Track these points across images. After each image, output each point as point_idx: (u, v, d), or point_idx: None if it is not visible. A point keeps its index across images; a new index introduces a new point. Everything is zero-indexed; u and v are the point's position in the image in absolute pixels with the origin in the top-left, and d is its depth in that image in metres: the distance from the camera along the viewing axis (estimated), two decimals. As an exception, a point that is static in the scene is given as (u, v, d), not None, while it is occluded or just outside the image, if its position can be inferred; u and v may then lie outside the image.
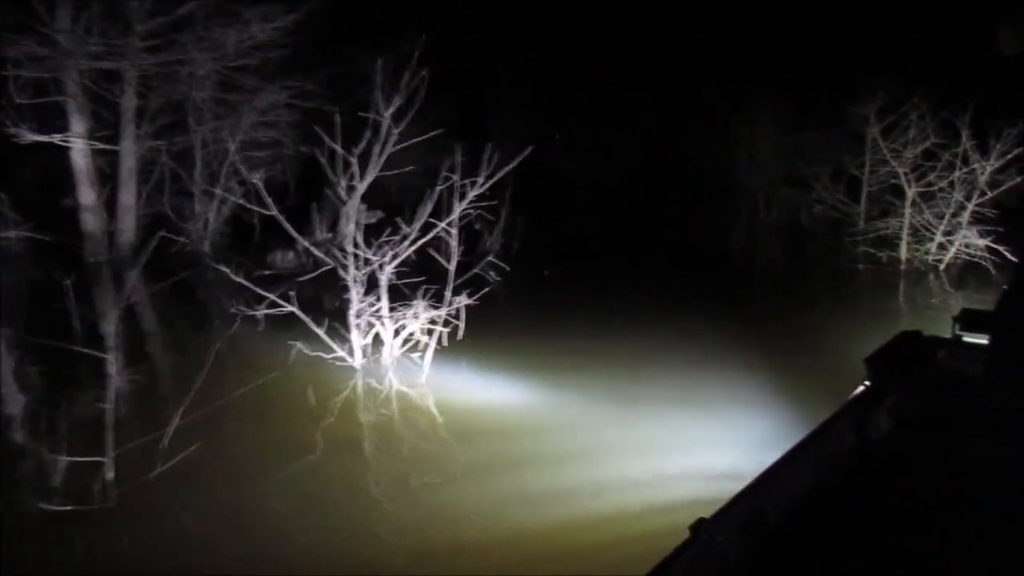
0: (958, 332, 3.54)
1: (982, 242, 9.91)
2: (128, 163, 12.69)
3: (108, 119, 12.42)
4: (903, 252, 10.60)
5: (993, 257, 9.74)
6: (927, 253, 10.50)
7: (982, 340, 3.45)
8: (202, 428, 4.90)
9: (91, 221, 12.56)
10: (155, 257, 12.05)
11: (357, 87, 17.85)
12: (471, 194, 7.88)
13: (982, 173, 10.29)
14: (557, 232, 15.49)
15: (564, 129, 21.32)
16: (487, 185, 7.76)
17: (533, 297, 10.08)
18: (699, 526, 2.14)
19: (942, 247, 10.45)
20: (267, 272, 10.69)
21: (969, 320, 3.68)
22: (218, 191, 12.93)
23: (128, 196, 12.83)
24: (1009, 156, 10.11)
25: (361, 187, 7.23)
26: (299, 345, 6.45)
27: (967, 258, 9.99)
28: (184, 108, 12.70)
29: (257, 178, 7.64)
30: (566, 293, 9.86)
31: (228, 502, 4.30)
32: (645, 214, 14.88)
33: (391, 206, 11.82)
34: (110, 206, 12.77)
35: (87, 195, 12.49)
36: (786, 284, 10.02)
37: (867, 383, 3.22)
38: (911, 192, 10.66)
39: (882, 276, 10.17)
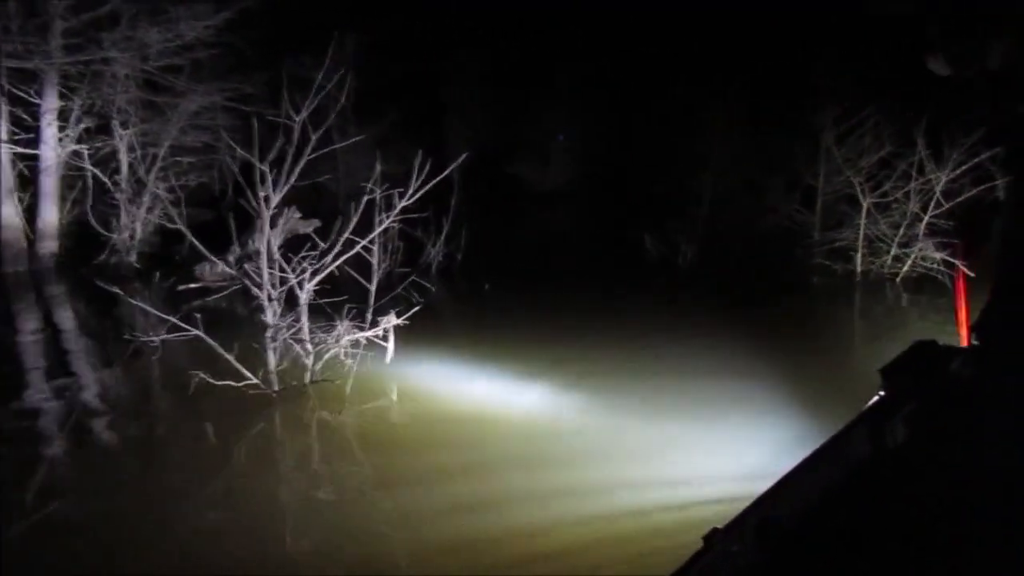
0: (975, 341, 3.34)
1: (938, 255, 9.61)
2: (49, 168, 11.94)
3: (27, 122, 11.70)
4: (858, 264, 10.27)
5: (949, 271, 9.44)
6: (883, 265, 10.19)
7: None
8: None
9: (10, 230, 11.81)
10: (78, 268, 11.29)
11: (302, 90, 17.30)
12: (399, 205, 7.38)
13: (937, 183, 9.99)
14: (509, 240, 15.01)
15: (520, 134, 20.85)
16: (415, 196, 7.25)
17: (470, 313, 9.55)
18: (713, 536, 2.11)
19: (898, 259, 10.15)
20: (193, 286, 10.03)
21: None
22: (145, 199, 12.24)
23: (49, 204, 12.08)
24: (965, 167, 9.82)
25: (275, 197, 6.62)
26: (200, 374, 5.83)
27: (924, 270, 9.69)
28: (109, 110, 12.00)
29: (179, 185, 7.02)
30: (505, 309, 9.35)
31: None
32: (598, 221, 14.46)
33: (338, 214, 11.26)
34: (30, 214, 12.03)
35: (5, 202, 11.72)
36: (736, 296, 9.62)
37: (882, 392, 3.19)
38: (866, 202, 10.34)
39: (835, 289, 9.82)
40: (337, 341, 6.49)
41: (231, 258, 10.54)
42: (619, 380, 6.40)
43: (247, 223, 11.89)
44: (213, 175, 14.01)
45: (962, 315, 3.62)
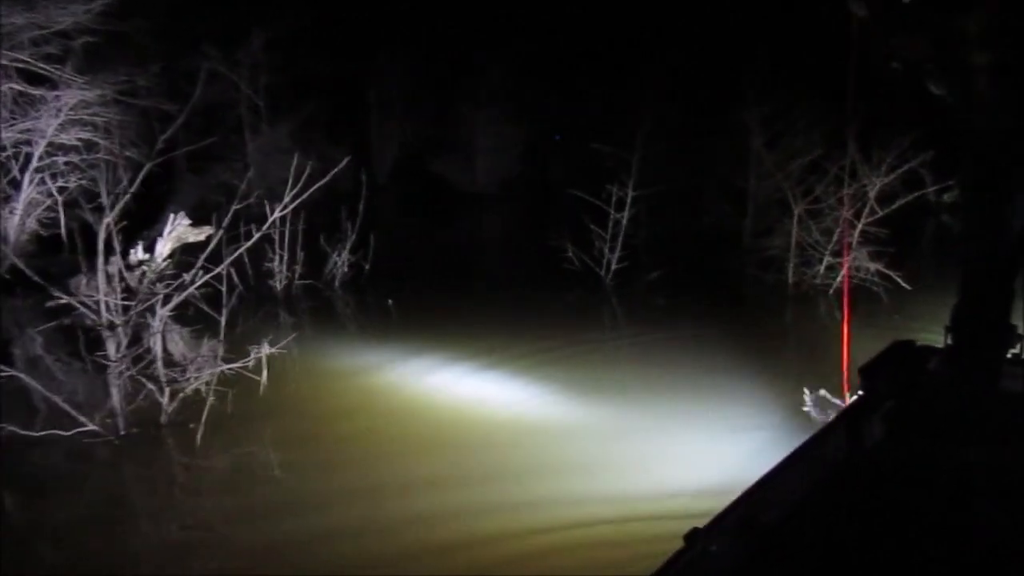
0: (950, 341, 3.41)
1: (873, 265, 9.08)
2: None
3: None
4: (790, 274, 9.71)
5: (885, 283, 8.92)
6: (815, 276, 9.64)
7: None
8: None
9: None
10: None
11: (209, 84, 16.13)
12: (275, 215, 6.53)
13: (871, 189, 9.48)
14: (430, 246, 14.16)
15: (447, 133, 19.96)
16: (290, 207, 6.41)
17: (364, 336, 8.63)
18: (693, 535, 2.10)
19: (831, 268, 9.61)
20: (63, 301, 8.91)
21: None
22: (19, 202, 11.04)
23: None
24: (900, 171, 9.33)
25: (111, 213, 5.68)
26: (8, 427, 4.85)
27: (859, 282, 9.17)
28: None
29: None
30: (403, 328, 8.52)
31: None
32: (525, 225, 13.72)
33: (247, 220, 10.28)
34: None
35: None
36: (655, 313, 8.98)
37: (861, 392, 3.29)
38: (797, 209, 9.78)
39: (765, 302, 9.19)
40: (196, 376, 5.58)
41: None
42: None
43: (145, 227, 10.88)
44: (99, 176, 12.80)
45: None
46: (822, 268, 9.61)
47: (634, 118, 10.27)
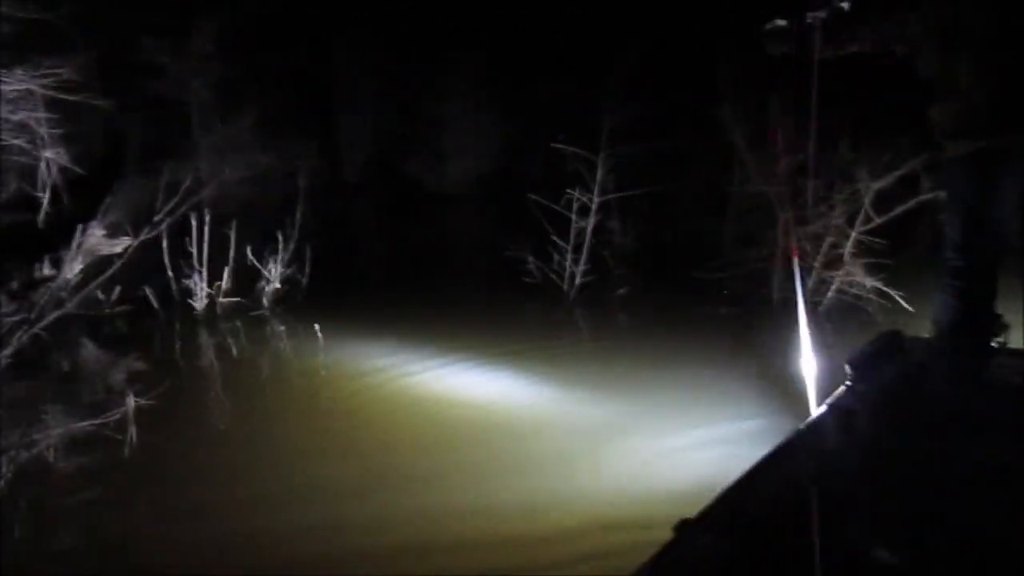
0: (934, 332, 3.41)
1: (868, 281, 8.04)
2: None
3: None
4: (775, 289, 8.65)
5: (881, 300, 7.90)
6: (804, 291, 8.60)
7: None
8: None
9: None
10: None
11: (156, 77, 15.02)
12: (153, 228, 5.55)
13: (866, 193, 8.44)
14: (386, 253, 13.13)
15: (416, 130, 18.84)
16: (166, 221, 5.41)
17: (275, 378, 7.43)
18: (682, 526, 2.10)
19: (824, 282, 8.57)
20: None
21: None
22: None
23: None
24: (899, 172, 8.28)
25: None
26: None
27: (853, 299, 8.14)
28: None
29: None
30: (335, 354, 7.46)
31: None
32: (490, 230, 12.67)
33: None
34: None
35: None
36: (621, 338, 7.97)
37: (848, 383, 3.21)
38: (783, 216, 8.71)
39: (746, 321, 8.08)
40: (31, 443, 4.53)
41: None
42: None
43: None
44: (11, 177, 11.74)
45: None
46: (811, 283, 8.58)
47: (601, 116, 9.21)
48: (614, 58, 9.07)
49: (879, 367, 3.36)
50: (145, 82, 14.45)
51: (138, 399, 4.89)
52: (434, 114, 18.46)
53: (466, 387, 6.34)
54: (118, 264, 5.69)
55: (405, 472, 4.77)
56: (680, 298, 8.70)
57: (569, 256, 8.97)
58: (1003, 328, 3.22)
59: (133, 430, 4.83)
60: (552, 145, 9.02)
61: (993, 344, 3.14)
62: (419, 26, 17.76)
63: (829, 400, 3.09)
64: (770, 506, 2.36)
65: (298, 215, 9.32)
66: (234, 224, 8.89)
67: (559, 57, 15.69)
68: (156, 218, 6.75)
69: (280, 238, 8.81)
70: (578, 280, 9.03)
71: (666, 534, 2.08)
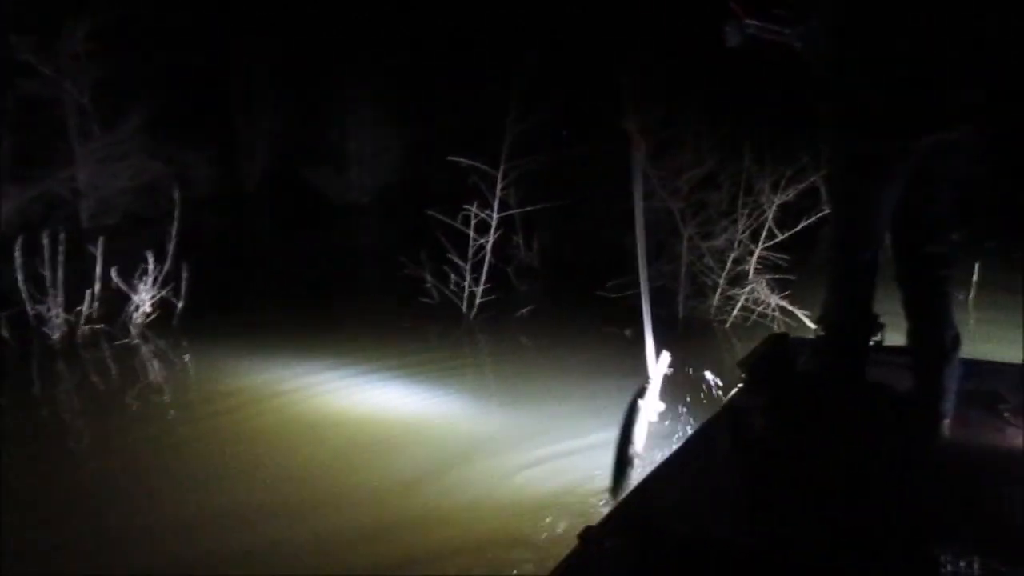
0: (820, 333, 3.46)
1: (774, 299, 7.85)
2: None
3: None
4: (680, 307, 8.39)
5: (786, 319, 7.71)
6: (709, 309, 8.36)
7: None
8: None
9: None
10: None
11: (27, 77, 13.84)
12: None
13: (769, 208, 8.26)
14: (281, 267, 12.37)
15: (317, 137, 18.03)
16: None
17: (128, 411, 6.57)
18: (587, 533, 2.15)
19: (730, 299, 8.35)
20: None
21: None
22: None
23: None
24: (803, 186, 8.12)
25: None
26: None
27: (760, 317, 7.93)
28: None
29: None
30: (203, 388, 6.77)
31: None
32: (391, 244, 12.08)
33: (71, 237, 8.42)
34: None
35: None
36: (516, 356, 7.56)
37: (740, 385, 3.43)
38: (687, 232, 8.47)
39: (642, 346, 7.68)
40: None
41: None
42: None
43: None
44: None
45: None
46: (716, 299, 8.35)
47: (502, 126, 8.78)
48: (513, 66, 8.61)
49: (768, 368, 3.47)
50: (13, 83, 13.32)
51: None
52: (336, 121, 17.69)
53: (357, 407, 6.20)
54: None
55: (302, 497, 4.67)
56: (584, 317, 8.32)
57: (468, 275, 8.47)
58: (880, 327, 3.34)
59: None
60: (449, 159, 8.49)
61: (871, 343, 3.23)
62: (319, 28, 17.02)
63: (723, 402, 3.31)
64: (671, 508, 2.40)
65: (174, 229, 8.52)
66: (100, 241, 8.07)
67: (460, 63, 15.26)
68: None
69: (150, 256, 7.98)
70: (478, 300, 8.55)
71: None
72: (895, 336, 3.36)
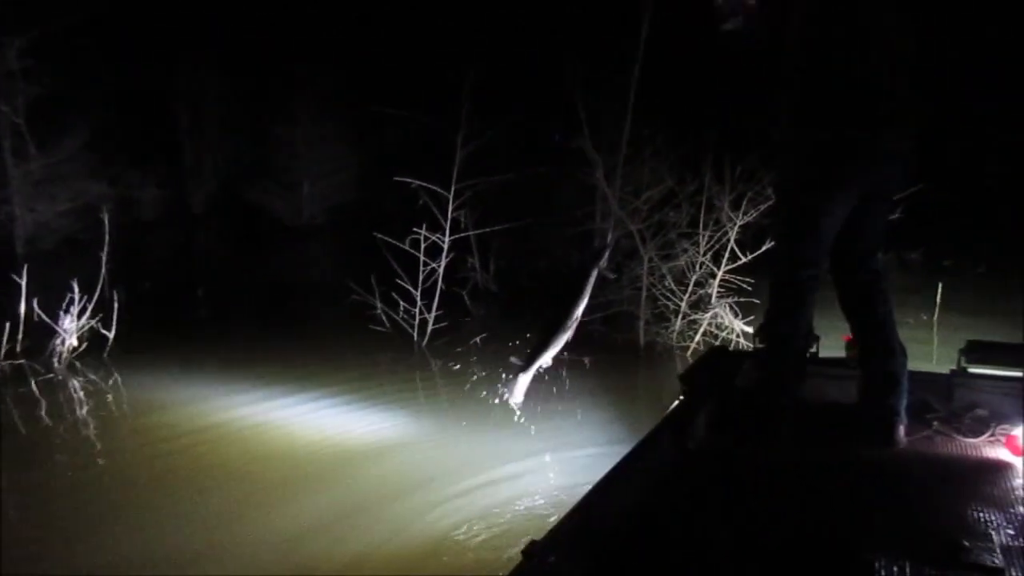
0: (759, 345, 3.58)
1: (738, 324, 7.59)
2: None
3: None
4: (641, 333, 8.08)
5: (751, 344, 7.43)
6: (671, 335, 8.07)
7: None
8: None
9: None
10: None
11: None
12: None
13: (732, 228, 8.03)
14: (225, 293, 11.84)
15: (267, 156, 17.52)
16: None
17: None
18: (531, 548, 2.10)
19: (693, 323, 8.07)
20: None
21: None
22: None
23: None
24: (763, 207, 7.90)
25: None
26: None
27: (724, 344, 7.64)
28: None
29: None
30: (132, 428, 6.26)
31: None
32: (342, 267, 11.65)
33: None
34: None
35: None
36: (467, 388, 7.16)
37: (682, 397, 3.39)
38: (647, 254, 8.18)
39: (607, 370, 7.37)
40: None
41: None
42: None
43: None
44: None
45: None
46: (678, 324, 8.06)
47: (453, 145, 8.43)
48: (462, 83, 8.28)
49: (708, 380, 3.50)
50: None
51: None
52: (285, 139, 17.20)
53: (292, 442, 5.87)
54: None
55: (211, 541, 4.37)
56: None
57: (419, 301, 8.08)
58: (815, 339, 3.47)
59: None
60: (396, 179, 8.12)
61: (806, 355, 3.31)
62: (265, 44, 16.58)
63: (664, 414, 3.27)
64: (615, 521, 2.40)
65: (104, 254, 8.00)
66: (25, 268, 7.54)
67: (413, 81, 14.94)
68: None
69: (75, 284, 7.45)
70: (430, 327, 8.15)
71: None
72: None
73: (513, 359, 3.24)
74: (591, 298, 3.48)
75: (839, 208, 2.93)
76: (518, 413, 3.40)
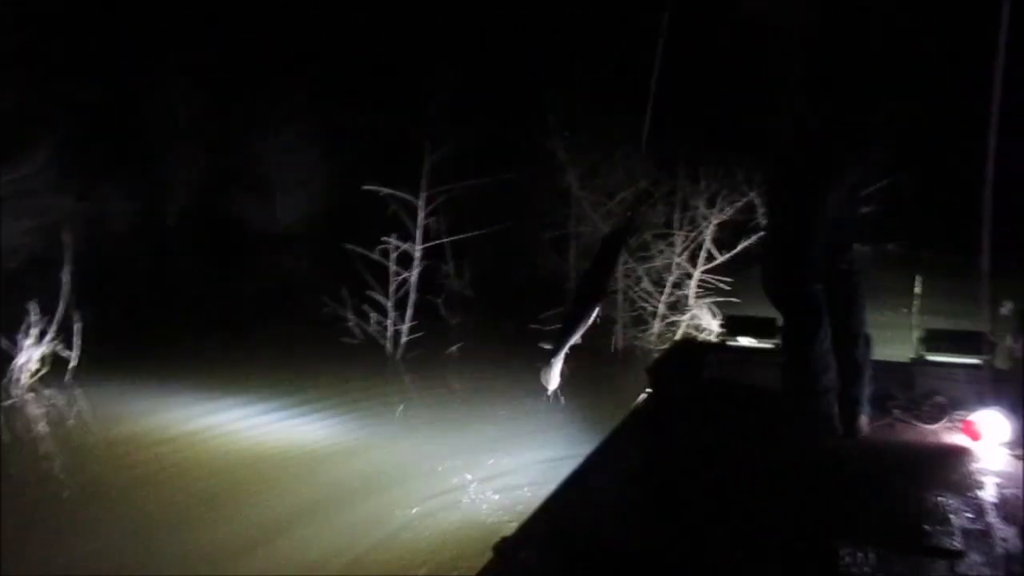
0: (722, 336, 3.76)
1: (716, 324, 7.47)
2: None
3: None
4: (618, 336, 7.95)
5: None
6: (650, 336, 7.94)
7: (744, 342, 3.76)
8: None
9: None
10: None
11: None
12: None
13: (707, 228, 7.91)
14: (192, 310, 11.59)
15: (241, 165, 17.25)
16: None
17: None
18: (502, 545, 2.14)
19: (672, 324, 7.95)
20: None
21: (733, 325, 3.93)
22: None
23: None
24: (739, 204, 7.80)
25: None
26: None
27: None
28: None
29: None
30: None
31: None
32: (314, 281, 11.44)
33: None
34: None
35: None
36: (444, 398, 7.05)
37: (648, 390, 3.40)
38: (622, 256, 8.03)
39: (585, 378, 7.17)
40: None
41: None
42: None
43: None
44: None
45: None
46: (656, 327, 7.93)
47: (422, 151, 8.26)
48: (430, 87, 8.12)
49: (673, 373, 3.53)
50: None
51: None
52: (257, 147, 16.94)
53: (270, 450, 5.89)
54: None
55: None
56: (518, 354, 7.78)
57: (391, 312, 7.91)
58: (779, 330, 3.47)
59: None
60: (364, 188, 7.95)
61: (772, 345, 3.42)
62: (236, 53, 16.34)
63: (631, 408, 3.27)
64: (585, 516, 2.42)
65: (64, 272, 7.77)
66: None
67: (383, 87, 14.76)
68: None
69: (33, 306, 7.22)
70: (404, 338, 7.98)
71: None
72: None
73: (542, 344, 3.08)
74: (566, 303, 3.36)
75: (831, 196, 2.92)
76: (553, 398, 3.17)
